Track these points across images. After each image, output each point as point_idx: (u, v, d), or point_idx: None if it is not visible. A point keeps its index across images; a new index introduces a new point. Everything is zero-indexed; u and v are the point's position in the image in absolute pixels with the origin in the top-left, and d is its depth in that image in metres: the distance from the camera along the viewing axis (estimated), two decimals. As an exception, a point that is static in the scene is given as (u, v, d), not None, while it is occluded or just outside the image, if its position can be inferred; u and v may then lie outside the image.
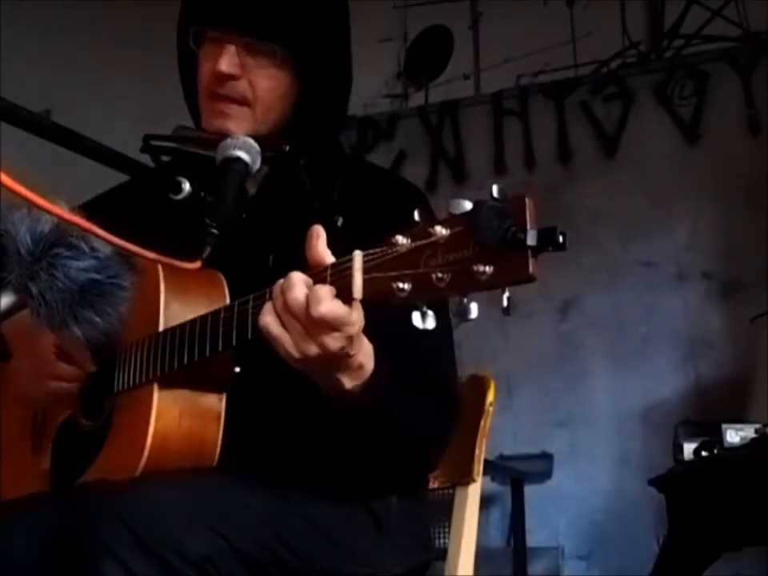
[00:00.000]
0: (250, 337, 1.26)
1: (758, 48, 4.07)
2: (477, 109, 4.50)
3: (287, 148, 1.54)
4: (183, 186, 1.40)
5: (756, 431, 2.80)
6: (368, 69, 4.65)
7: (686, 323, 4.01)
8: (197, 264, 1.31)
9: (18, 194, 1.04)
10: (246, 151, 1.45)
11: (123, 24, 4.74)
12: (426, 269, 1.05)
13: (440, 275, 1.04)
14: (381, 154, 4.54)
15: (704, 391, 3.90)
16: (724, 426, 2.82)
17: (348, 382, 1.27)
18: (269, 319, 1.20)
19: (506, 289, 1.02)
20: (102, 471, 1.42)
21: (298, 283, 1.18)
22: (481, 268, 1.00)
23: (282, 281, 1.20)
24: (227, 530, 1.28)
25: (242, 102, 1.52)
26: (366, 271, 1.12)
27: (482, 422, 1.72)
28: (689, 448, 2.87)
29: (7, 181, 1.02)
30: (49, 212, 1.10)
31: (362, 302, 1.15)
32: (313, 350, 1.19)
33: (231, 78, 1.50)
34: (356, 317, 1.18)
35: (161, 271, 1.41)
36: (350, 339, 1.20)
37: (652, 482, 3.01)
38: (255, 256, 1.49)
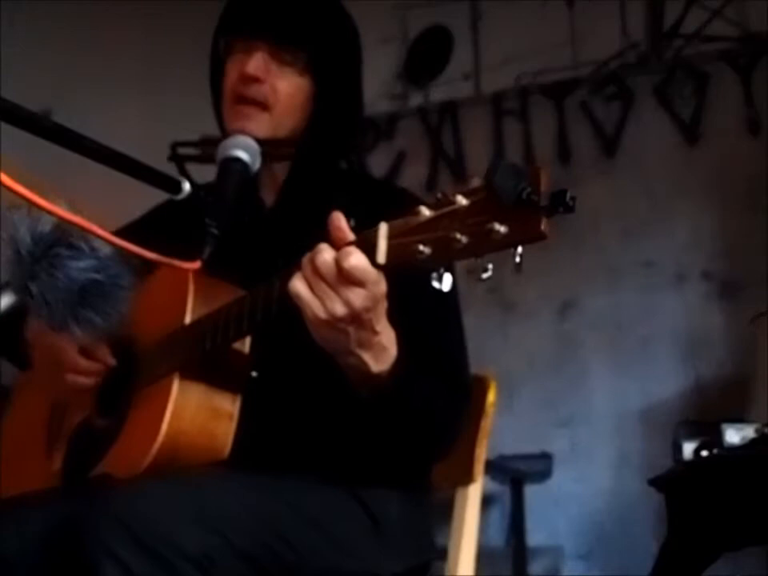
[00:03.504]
0: (273, 311, 1.29)
1: (758, 48, 4.06)
2: (477, 109, 4.49)
3: (306, 143, 1.61)
4: (183, 185, 1.41)
5: (756, 431, 2.79)
6: (368, 69, 4.63)
7: (686, 323, 4.00)
8: (197, 264, 1.32)
9: (18, 194, 1.04)
10: (245, 151, 1.47)
11: (124, 24, 4.73)
12: (446, 232, 1.10)
13: (458, 237, 1.09)
14: (381, 154, 4.54)
15: (704, 391, 3.90)
16: (724, 425, 2.81)
17: (374, 365, 1.29)
18: (298, 284, 1.24)
19: (519, 248, 1.07)
20: (114, 462, 1.43)
21: (325, 249, 1.23)
22: (497, 227, 1.06)
23: (308, 253, 1.25)
24: (226, 528, 1.29)
25: (263, 105, 1.59)
26: (390, 238, 1.18)
27: (483, 422, 1.72)
28: (689, 448, 2.87)
29: (7, 181, 1.02)
30: (49, 212, 1.11)
31: (386, 267, 1.19)
32: (339, 308, 1.22)
33: (256, 80, 1.58)
34: (381, 278, 1.22)
35: (191, 278, 1.44)
36: (374, 301, 1.22)
37: (652, 482, 3.00)
38: (274, 264, 1.52)
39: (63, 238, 1.33)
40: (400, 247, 1.16)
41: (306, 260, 1.24)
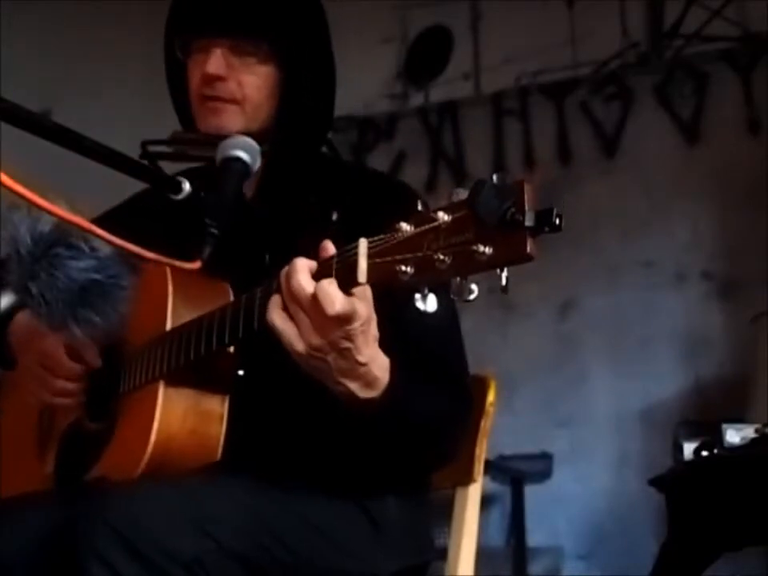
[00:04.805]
0: (256, 328, 1.27)
1: (758, 48, 4.06)
2: (477, 109, 4.50)
3: (278, 138, 1.58)
4: (183, 185, 1.40)
5: (756, 431, 2.79)
6: (368, 69, 4.66)
7: (686, 323, 4.01)
8: (197, 264, 1.31)
9: (18, 194, 1.04)
10: (245, 151, 1.46)
11: (124, 23, 4.73)
12: (429, 252, 1.07)
13: (441, 257, 1.06)
14: (381, 154, 4.54)
15: (704, 391, 3.90)
16: (724, 425, 2.81)
17: (362, 393, 1.28)
18: (275, 315, 1.22)
19: (505, 269, 1.04)
20: (106, 468, 1.43)
21: (300, 269, 1.20)
22: (481, 248, 1.03)
23: (286, 267, 1.22)
24: (216, 530, 1.28)
25: (232, 101, 1.56)
26: (370, 256, 1.14)
27: (483, 422, 1.72)
28: (689, 448, 2.87)
29: (7, 181, 1.02)
30: (49, 212, 1.11)
31: (369, 286, 1.17)
32: (315, 339, 1.21)
33: (219, 78, 1.55)
34: (362, 309, 1.20)
35: (169, 276, 1.42)
36: (352, 334, 1.21)
37: (652, 482, 3.00)
38: (255, 256, 1.50)
39: (63, 238, 1.33)
40: (381, 266, 1.13)
41: (283, 279, 1.22)
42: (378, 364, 1.28)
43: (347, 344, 1.22)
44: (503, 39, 4.43)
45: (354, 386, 1.27)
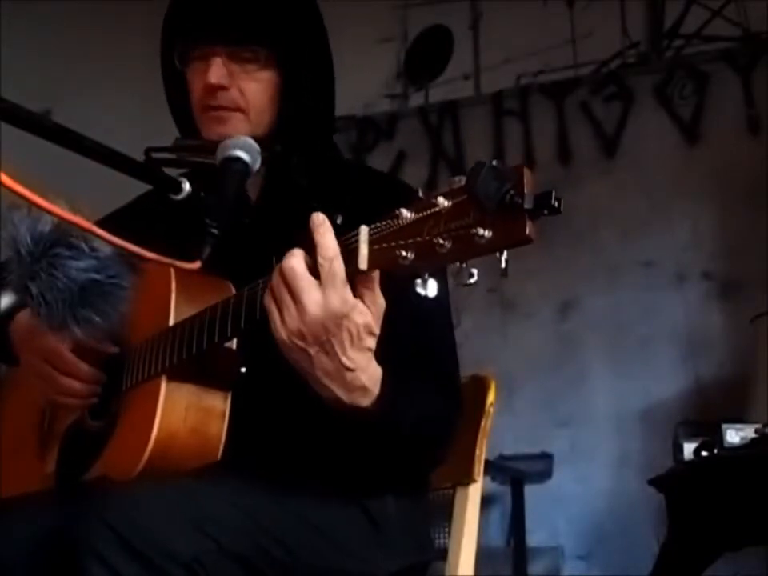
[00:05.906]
0: (258, 317, 1.27)
1: (758, 48, 4.07)
2: (477, 109, 4.50)
3: (279, 148, 1.58)
4: (183, 185, 1.41)
5: (756, 431, 2.80)
6: (368, 69, 4.67)
7: (686, 323, 4.01)
8: (196, 264, 1.31)
9: (18, 194, 1.04)
10: (245, 151, 1.46)
11: (124, 23, 4.73)
12: (429, 237, 1.08)
13: (441, 242, 1.06)
14: (381, 154, 4.54)
15: (704, 391, 3.90)
16: (724, 425, 2.82)
17: (348, 400, 1.28)
18: (266, 297, 1.24)
19: (505, 252, 1.04)
20: (107, 465, 1.43)
21: (296, 253, 1.22)
22: (480, 231, 1.03)
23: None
24: (215, 531, 1.28)
25: (236, 109, 1.56)
26: (371, 243, 1.15)
27: (483, 422, 1.72)
28: (689, 448, 2.87)
29: (7, 181, 1.02)
30: (49, 212, 1.11)
31: (369, 271, 1.17)
32: (295, 324, 1.21)
33: (221, 88, 1.55)
34: (351, 304, 1.20)
35: (173, 276, 1.42)
36: (336, 325, 1.21)
37: (652, 482, 3.01)
38: (258, 259, 1.51)
39: (63, 238, 1.33)
40: (381, 252, 1.13)
41: (277, 266, 1.23)
42: (369, 374, 1.27)
43: (327, 337, 1.22)
44: (503, 39, 4.43)
45: (339, 392, 1.26)
